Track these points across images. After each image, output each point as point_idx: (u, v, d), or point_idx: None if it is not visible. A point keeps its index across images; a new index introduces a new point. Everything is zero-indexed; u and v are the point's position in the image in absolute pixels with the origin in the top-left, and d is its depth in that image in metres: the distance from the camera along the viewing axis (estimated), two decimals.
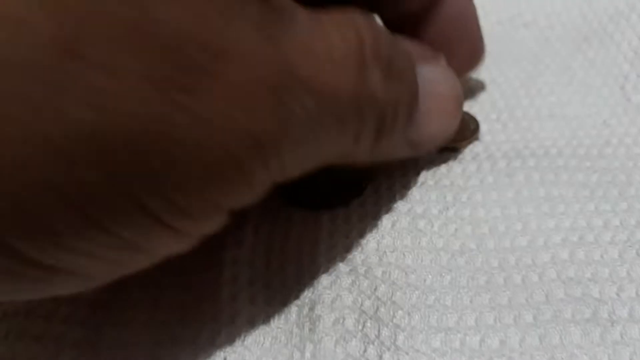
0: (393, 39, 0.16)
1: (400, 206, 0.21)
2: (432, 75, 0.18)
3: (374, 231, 0.20)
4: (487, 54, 0.31)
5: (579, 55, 0.29)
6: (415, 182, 0.22)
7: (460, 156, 0.23)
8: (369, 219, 0.21)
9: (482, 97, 0.27)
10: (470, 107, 0.27)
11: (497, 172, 0.22)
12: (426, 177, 0.22)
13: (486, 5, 0.33)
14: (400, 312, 0.18)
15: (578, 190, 0.21)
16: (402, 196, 0.22)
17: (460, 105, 0.20)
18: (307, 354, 0.17)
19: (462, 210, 0.21)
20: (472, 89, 0.28)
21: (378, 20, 0.21)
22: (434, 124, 0.19)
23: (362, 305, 0.18)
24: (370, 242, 0.20)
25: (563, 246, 0.19)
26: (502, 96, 0.27)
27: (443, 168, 0.23)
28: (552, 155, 0.23)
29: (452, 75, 0.20)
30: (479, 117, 0.26)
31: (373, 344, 0.17)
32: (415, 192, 0.22)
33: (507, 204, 0.21)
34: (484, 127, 0.25)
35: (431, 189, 0.22)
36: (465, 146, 0.24)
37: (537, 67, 0.28)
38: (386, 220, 0.21)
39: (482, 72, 0.29)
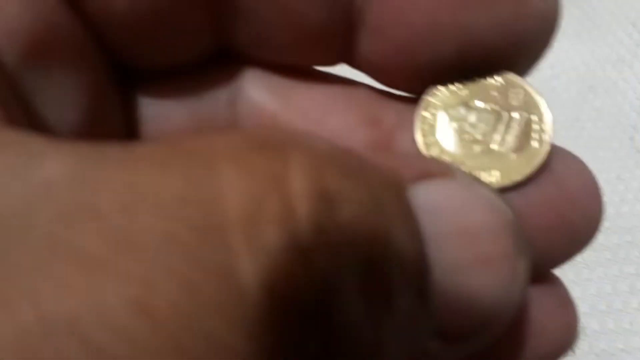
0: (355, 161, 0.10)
1: None
2: (435, 201, 0.11)
3: None
4: None
5: (585, 105, 0.29)
6: None
7: None
8: None
9: None
10: None
11: None
12: None
13: None
14: None
15: (600, 253, 0.22)
16: None
17: (515, 240, 0.11)
18: None
19: None
20: None
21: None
22: (463, 287, 0.10)
23: None
24: None
25: (592, 316, 0.20)
26: None
27: None
28: None
29: (480, 192, 0.11)
30: None
31: None
32: None
33: None
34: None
35: None
36: None
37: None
38: None
39: None
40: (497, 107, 0.13)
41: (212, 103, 0.14)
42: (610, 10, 0.33)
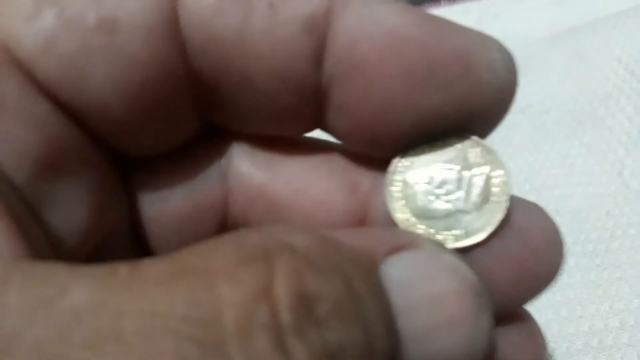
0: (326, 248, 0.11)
1: None
2: (405, 274, 0.12)
3: None
4: (489, 143, 0.33)
5: (575, 141, 0.31)
6: None
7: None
8: None
9: None
10: None
11: None
12: None
13: None
14: None
15: (592, 290, 0.23)
16: None
17: (477, 299, 0.12)
18: None
19: None
20: None
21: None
22: (433, 351, 0.12)
23: None
24: None
25: (585, 352, 0.21)
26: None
27: None
28: None
29: (445, 261, 0.12)
30: None
31: None
32: None
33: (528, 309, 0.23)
34: None
35: None
36: None
37: (538, 157, 0.30)
38: None
39: None
40: (458, 168, 0.14)
41: (204, 181, 0.16)
42: (596, 46, 0.34)
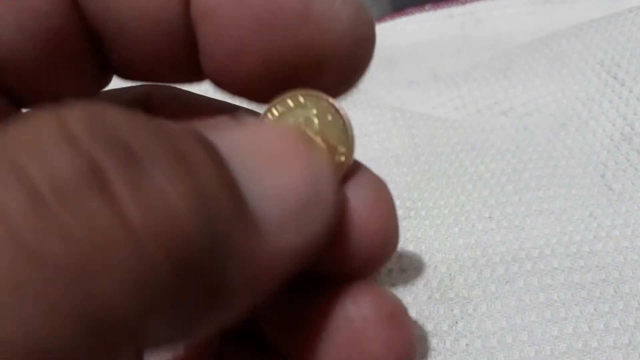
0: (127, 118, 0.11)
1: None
2: (234, 136, 0.12)
3: None
4: (471, 146, 0.32)
5: (558, 143, 0.30)
6: (423, 297, 0.23)
7: (460, 262, 0.25)
8: None
9: (473, 195, 0.28)
10: (463, 204, 0.28)
11: (497, 280, 0.23)
12: (432, 290, 0.23)
13: (465, 96, 0.35)
14: None
15: (576, 292, 0.23)
16: (412, 312, 0.23)
17: (310, 143, 0.13)
18: None
19: (470, 323, 0.22)
20: (462, 185, 0.29)
21: None
22: (273, 185, 0.12)
23: None
24: None
25: (569, 355, 0.21)
26: (492, 193, 0.28)
27: (446, 279, 0.24)
28: (547, 256, 0.24)
29: (268, 123, 0.14)
30: (473, 216, 0.27)
31: None
32: (424, 308, 0.23)
33: (511, 313, 0.22)
34: (479, 226, 0.26)
35: (439, 303, 0.23)
36: None
37: (521, 159, 0.30)
38: None
39: (468, 167, 0.30)
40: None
41: None
42: (578, 50, 0.34)
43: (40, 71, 0.15)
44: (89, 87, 0.16)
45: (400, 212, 0.28)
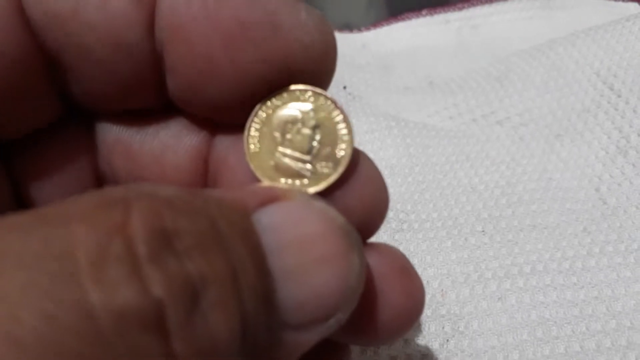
0: (185, 196, 0.12)
1: (401, 344, 0.22)
2: (276, 219, 0.13)
3: None
4: (465, 157, 0.32)
5: (552, 155, 0.30)
6: None
7: (452, 277, 0.24)
8: None
9: (466, 208, 0.28)
10: (456, 217, 0.28)
11: (489, 297, 0.23)
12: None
13: (461, 104, 0.35)
14: None
15: (568, 310, 0.23)
16: None
17: (346, 239, 0.13)
18: None
19: (462, 342, 0.22)
20: (456, 197, 0.29)
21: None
22: (306, 287, 0.13)
23: None
24: None
25: None
26: (485, 206, 0.28)
27: (438, 295, 0.24)
28: (539, 272, 0.24)
29: (315, 207, 0.13)
30: (466, 230, 0.27)
31: None
32: (415, 325, 0.23)
33: (502, 331, 0.22)
34: (471, 240, 0.26)
35: (430, 320, 0.23)
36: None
37: (515, 171, 0.30)
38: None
39: (462, 179, 0.30)
40: (310, 124, 0.15)
41: (77, 159, 0.17)
42: (575, 60, 0.34)
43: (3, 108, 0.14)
44: (47, 118, 0.16)
45: (393, 225, 0.28)
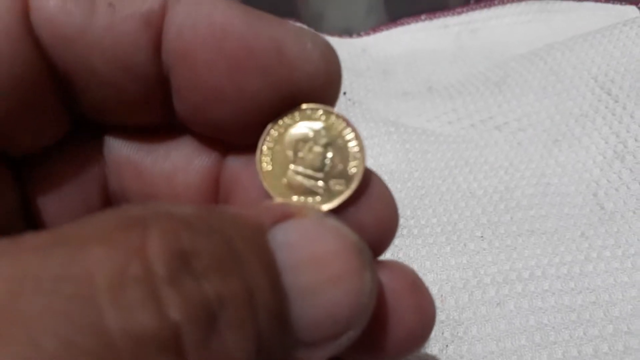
0: (202, 215, 0.12)
1: None
2: (291, 237, 0.13)
3: None
4: (464, 162, 0.32)
5: (550, 160, 0.30)
6: None
7: (452, 283, 0.25)
8: None
9: (465, 214, 0.28)
10: (455, 223, 0.28)
11: (488, 302, 0.24)
12: None
13: (459, 109, 0.35)
14: None
15: (566, 315, 0.23)
16: None
17: (359, 257, 0.13)
18: None
19: (461, 347, 0.22)
20: (455, 203, 0.29)
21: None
22: (320, 305, 0.13)
23: None
24: None
25: None
26: (484, 212, 0.28)
27: (437, 300, 0.24)
28: (538, 277, 0.24)
29: (329, 225, 0.13)
30: (465, 235, 0.27)
31: None
32: None
33: (501, 336, 0.22)
34: (470, 246, 0.27)
35: None
36: None
37: (513, 176, 0.30)
38: None
39: (461, 184, 0.30)
40: (322, 141, 0.15)
41: (88, 173, 0.17)
42: (573, 65, 0.34)
43: (4, 118, 0.14)
44: (57, 134, 0.16)
45: None
